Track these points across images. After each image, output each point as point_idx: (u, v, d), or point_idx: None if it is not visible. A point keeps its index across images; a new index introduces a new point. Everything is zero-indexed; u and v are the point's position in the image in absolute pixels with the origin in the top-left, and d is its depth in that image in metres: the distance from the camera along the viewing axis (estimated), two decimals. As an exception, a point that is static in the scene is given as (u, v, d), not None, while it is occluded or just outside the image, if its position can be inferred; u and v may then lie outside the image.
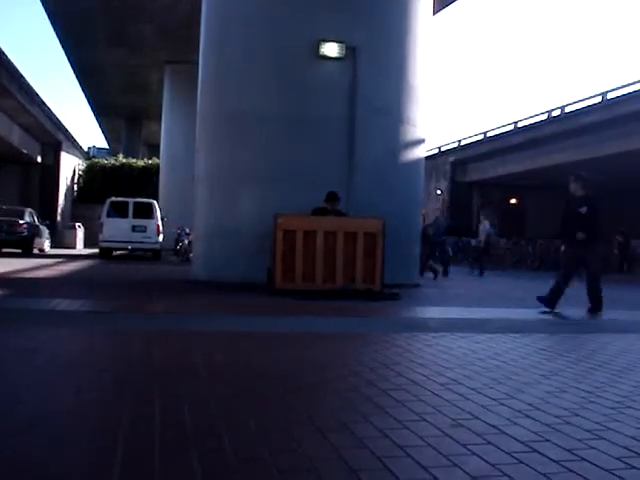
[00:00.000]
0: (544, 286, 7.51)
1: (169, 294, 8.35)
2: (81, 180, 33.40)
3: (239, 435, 2.34)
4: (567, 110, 26.80)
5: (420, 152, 10.81)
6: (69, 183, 32.26)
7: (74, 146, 32.78)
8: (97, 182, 31.24)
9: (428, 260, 13.93)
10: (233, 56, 10.01)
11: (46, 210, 26.55)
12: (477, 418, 2.66)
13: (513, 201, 35.63)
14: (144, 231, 18.23)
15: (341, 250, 8.41)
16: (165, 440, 2.24)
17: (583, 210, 7.21)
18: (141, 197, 20.85)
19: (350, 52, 9.58)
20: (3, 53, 19.08)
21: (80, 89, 29.39)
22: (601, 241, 7.95)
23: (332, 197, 8.77)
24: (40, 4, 19.09)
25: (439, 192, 36.31)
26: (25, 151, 26.83)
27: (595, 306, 7.27)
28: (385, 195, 9.76)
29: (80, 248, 26.50)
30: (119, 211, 18.49)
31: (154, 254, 18.85)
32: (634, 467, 2.14)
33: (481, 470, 2.06)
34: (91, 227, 25.82)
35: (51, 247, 22.51)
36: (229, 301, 7.41)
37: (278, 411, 2.71)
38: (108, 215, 18.46)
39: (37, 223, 20.30)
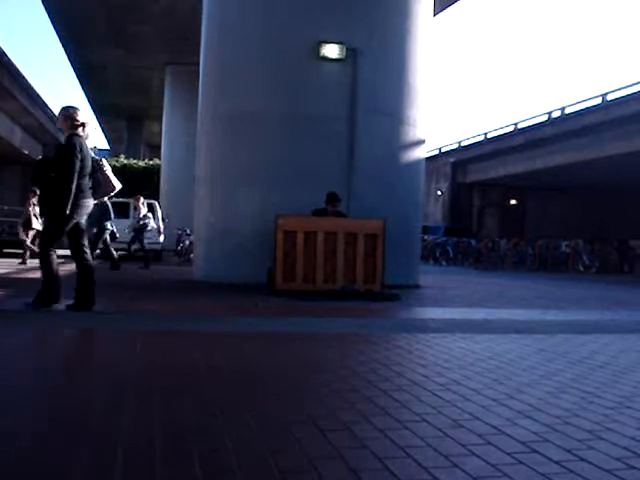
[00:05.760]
0: (544, 286, 7.51)
1: (170, 295, 8.35)
2: (82, 181, 33.42)
3: (239, 435, 2.35)
4: (567, 111, 26.88)
5: (420, 153, 10.81)
6: (70, 184, 32.28)
7: (75, 147, 32.80)
8: None
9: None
10: (233, 57, 10.03)
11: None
12: (477, 419, 2.66)
13: (513, 202, 35.68)
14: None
15: (341, 251, 8.43)
16: (165, 440, 2.25)
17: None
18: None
19: (350, 53, 9.59)
20: (5, 54, 19.11)
21: (81, 90, 29.42)
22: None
23: (332, 198, 8.77)
24: (41, 5, 19.12)
25: (439, 193, 36.33)
26: (26, 152, 26.85)
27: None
28: (385, 196, 9.78)
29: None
30: (120, 212, 18.49)
31: (155, 255, 18.86)
32: (634, 467, 2.14)
33: (481, 470, 2.07)
34: (92, 228, 25.81)
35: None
36: (230, 301, 7.42)
37: (278, 411, 2.71)
38: None
39: None
